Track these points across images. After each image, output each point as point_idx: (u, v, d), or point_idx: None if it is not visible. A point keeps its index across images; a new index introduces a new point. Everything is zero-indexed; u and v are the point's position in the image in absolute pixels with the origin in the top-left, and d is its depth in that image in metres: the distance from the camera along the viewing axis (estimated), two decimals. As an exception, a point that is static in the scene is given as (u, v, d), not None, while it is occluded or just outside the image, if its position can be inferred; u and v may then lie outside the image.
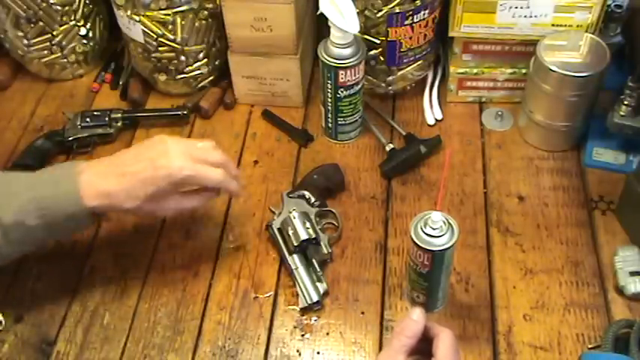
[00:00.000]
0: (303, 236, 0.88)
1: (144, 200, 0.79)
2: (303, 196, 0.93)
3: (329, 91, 0.98)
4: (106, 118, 1.07)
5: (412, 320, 0.68)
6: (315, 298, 0.85)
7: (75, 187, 0.78)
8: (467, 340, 0.82)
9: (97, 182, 0.79)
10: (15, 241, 0.78)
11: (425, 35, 1.02)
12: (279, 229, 0.91)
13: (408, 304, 0.86)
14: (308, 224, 0.89)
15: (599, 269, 0.89)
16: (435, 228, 0.75)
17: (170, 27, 1.03)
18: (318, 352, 0.83)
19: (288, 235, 0.89)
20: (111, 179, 0.79)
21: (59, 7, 1.09)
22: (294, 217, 0.89)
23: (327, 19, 0.91)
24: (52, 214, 0.77)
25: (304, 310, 0.86)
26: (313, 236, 0.88)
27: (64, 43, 1.13)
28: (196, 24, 1.04)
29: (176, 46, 1.05)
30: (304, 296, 0.86)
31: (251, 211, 0.97)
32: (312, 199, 0.93)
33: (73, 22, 1.12)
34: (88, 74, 1.19)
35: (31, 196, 0.77)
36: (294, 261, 0.88)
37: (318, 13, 0.92)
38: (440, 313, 0.86)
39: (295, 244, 0.88)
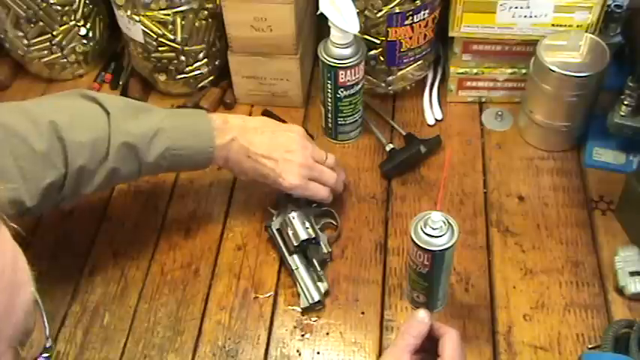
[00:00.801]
0: (303, 236, 0.88)
1: (252, 179, 0.90)
2: (302, 196, 0.92)
3: (329, 91, 0.98)
4: (106, 118, 1.07)
5: (417, 320, 0.68)
6: (317, 298, 0.85)
7: (211, 148, 0.85)
8: (467, 340, 0.82)
9: (228, 148, 0.86)
10: (144, 174, 0.86)
11: (425, 35, 1.02)
12: (278, 229, 0.91)
13: (408, 304, 0.87)
14: (307, 224, 0.89)
15: (599, 269, 0.89)
16: (435, 228, 0.75)
17: (170, 27, 1.03)
18: (318, 352, 0.83)
19: (288, 235, 0.89)
20: (241, 155, 0.87)
21: (59, 7, 1.09)
22: (294, 218, 0.89)
23: (327, 19, 0.91)
24: (183, 162, 0.85)
25: (306, 310, 0.86)
26: (313, 236, 0.88)
27: (64, 43, 1.13)
28: (196, 24, 1.04)
29: (176, 46, 1.05)
30: (305, 296, 0.86)
31: (251, 211, 0.97)
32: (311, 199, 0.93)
33: (73, 22, 1.12)
34: (88, 74, 1.19)
35: (172, 145, 0.83)
36: (295, 261, 0.88)
37: (318, 13, 0.92)
38: (440, 313, 0.85)
39: (295, 245, 0.88)
